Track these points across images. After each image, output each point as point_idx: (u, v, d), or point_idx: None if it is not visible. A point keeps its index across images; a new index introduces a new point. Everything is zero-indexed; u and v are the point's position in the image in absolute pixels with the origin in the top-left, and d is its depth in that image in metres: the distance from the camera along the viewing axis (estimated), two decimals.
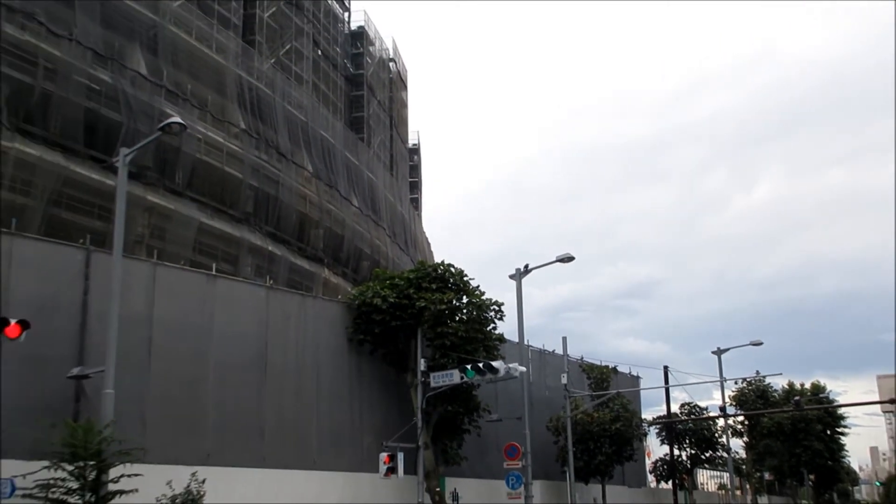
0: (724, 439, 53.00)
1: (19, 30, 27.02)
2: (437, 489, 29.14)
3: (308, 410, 26.97)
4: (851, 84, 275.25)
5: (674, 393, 49.22)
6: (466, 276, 30.45)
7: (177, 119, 19.98)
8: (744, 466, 61.94)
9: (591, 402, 39.59)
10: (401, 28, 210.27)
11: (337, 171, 43.98)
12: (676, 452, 50.84)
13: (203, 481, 19.85)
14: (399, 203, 55.93)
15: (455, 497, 31.85)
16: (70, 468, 16.70)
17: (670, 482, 50.36)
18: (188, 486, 19.59)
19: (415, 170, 69.99)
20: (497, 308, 30.86)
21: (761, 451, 59.18)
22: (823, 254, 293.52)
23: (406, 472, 26.64)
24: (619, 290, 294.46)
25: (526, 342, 32.57)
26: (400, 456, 26.14)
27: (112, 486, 17.11)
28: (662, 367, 44.10)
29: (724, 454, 52.99)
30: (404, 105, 65.91)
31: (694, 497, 54.17)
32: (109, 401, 17.61)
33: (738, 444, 61.10)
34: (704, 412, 52.27)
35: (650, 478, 54.11)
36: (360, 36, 56.00)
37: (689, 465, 53.71)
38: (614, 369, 44.86)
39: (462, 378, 26.90)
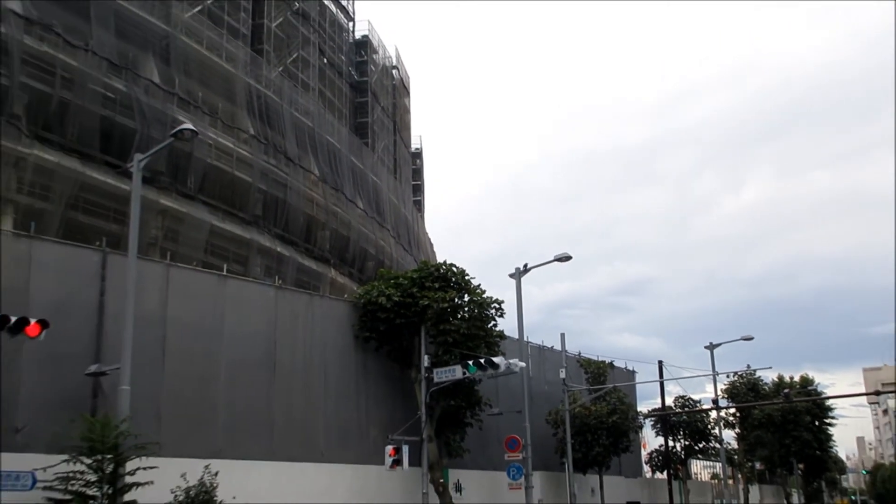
0: (716, 431, 53.06)
1: (38, 41, 27.09)
2: (441, 480, 29.13)
3: (316, 405, 26.97)
4: (835, 90, 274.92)
5: (668, 387, 49.36)
6: (468, 275, 30.44)
7: (189, 126, 19.98)
8: (736, 456, 61.81)
9: (588, 396, 39.57)
10: (403, 36, 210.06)
11: (343, 174, 44.01)
12: (671, 444, 50.81)
13: (216, 474, 19.86)
14: (403, 205, 55.96)
15: (458, 488, 31.87)
16: (88, 461, 16.75)
17: (665, 472, 50.34)
18: (201, 479, 19.60)
19: (417, 173, 69.99)
20: (497, 306, 30.84)
21: (752, 441, 59.08)
22: (810, 252, 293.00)
23: (411, 464, 26.66)
24: (615, 287, 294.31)
25: (525, 339, 32.57)
26: (405, 449, 26.15)
27: (128, 479, 17.18)
28: (657, 362, 44.13)
29: (717, 445, 52.99)
30: (407, 111, 65.91)
31: (688, 486, 54.11)
32: (125, 397, 17.65)
33: (730, 436, 61.09)
34: (698, 405, 52.29)
35: (646, 468, 54.05)
36: (364, 44, 56.02)
37: (683, 456, 53.68)
38: (611, 364, 44.82)
39: (464, 373, 26.90)
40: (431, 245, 65.86)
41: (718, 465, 57.68)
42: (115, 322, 19.44)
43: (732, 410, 57.09)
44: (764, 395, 56.29)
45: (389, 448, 25.98)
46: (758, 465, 65.66)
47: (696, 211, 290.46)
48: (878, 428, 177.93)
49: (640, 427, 47.86)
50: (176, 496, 19.11)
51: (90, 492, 16.82)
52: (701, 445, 53.93)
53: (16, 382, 18.86)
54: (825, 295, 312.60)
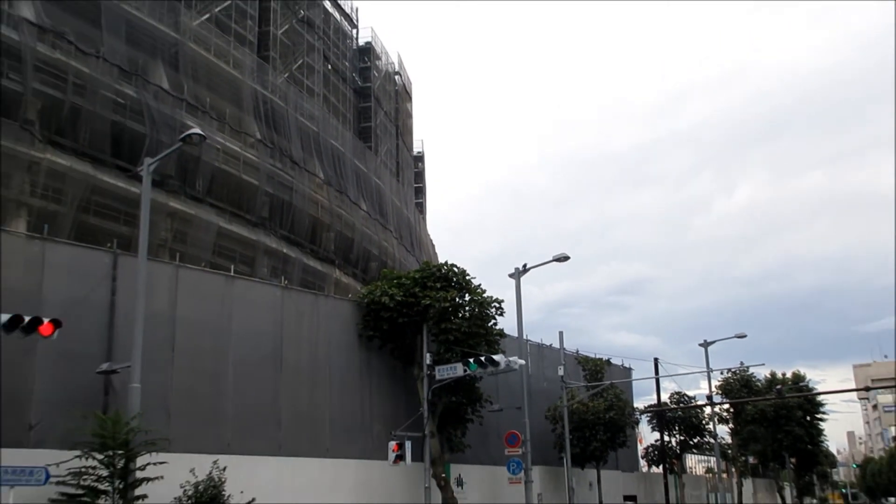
0: (710, 426, 52.95)
1: (50, 48, 27.10)
2: (443, 475, 29.11)
3: (321, 402, 26.96)
4: (830, 92, 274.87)
5: (664, 383, 49.09)
6: (469, 275, 30.43)
7: (197, 130, 20.00)
8: (729, 451, 61.78)
9: (586, 393, 39.55)
10: (405, 42, 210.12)
11: (347, 177, 43.99)
12: (666, 439, 50.76)
13: (224, 468, 19.89)
14: (405, 207, 55.92)
15: (460, 482, 31.86)
16: (100, 457, 16.76)
17: (661, 466, 50.28)
18: (210, 473, 19.63)
19: (419, 176, 69.96)
20: (498, 305, 30.83)
21: (746, 436, 59.05)
22: (802, 252, 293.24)
23: (413, 459, 26.63)
24: (613, 287, 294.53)
25: (525, 337, 32.54)
26: (408, 444, 26.13)
27: (139, 474, 17.18)
28: (653, 360, 44.12)
29: (711, 440, 52.88)
30: (409, 115, 65.88)
31: (683, 480, 54.02)
32: (136, 394, 17.65)
33: (724, 431, 61.03)
34: (692, 401, 52.17)
35: (642, 462, 54.00)
36: (368, 51, 56.01)
37: (678, 451, 53.55)
38: (608, 361, 44.76)
39: (465, 371, 26.89)
40: (433, 246, 65.82)
41: (713, 459, 57.57)
42: (126, 321, 19.43)
43: (726, 406, 57.04)
44: (757, 391, 56.22)
45: (393, 444, 25.97)
46: (751, 460, 65.57)
47: (692, 211, 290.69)
48: (867, 423, 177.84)
49: (637, 423, 47.87)
50: (185, 490, 19.13)
51: (102, 486, 16.83)
52: (696, 440, 53.82)
53: (29, 380, 18.89)
54: (816, 294, 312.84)
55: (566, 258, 30.37)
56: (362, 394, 28.92)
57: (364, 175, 47.09)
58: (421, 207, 67.62)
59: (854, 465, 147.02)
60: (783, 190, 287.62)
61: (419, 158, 70.04)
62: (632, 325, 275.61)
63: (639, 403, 52.30)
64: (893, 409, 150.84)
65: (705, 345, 45.78)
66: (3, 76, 25.88)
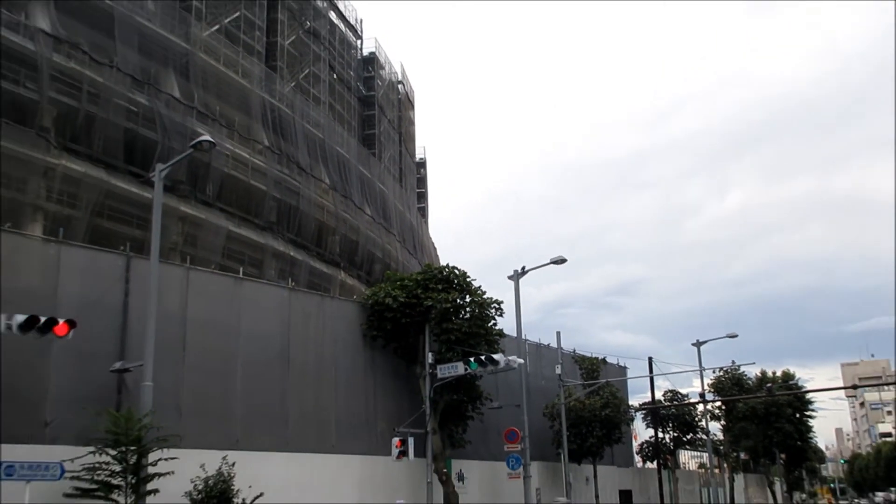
0: (703, 423, 52.95)
1: (66, 58, 27.13)
2: (445, 470, 29.06)
3: (327, 400, 26.92)
4: (816, 101, 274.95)
5: (657, 381, 49.23)
6: (469, 277, 30.38)
7: (207, 137, 19.99)
8: (721, 447, 61.63)
9: (582, 391, 39.48)
10: (408, 52, 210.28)
11: (351, 183, 43.99)
12: (660, 435, 50.66)
13: (233, 464, 19.83)
14: (408, 212, 55.90)
15: (461, 477, 31.79)
16: (113, 453, 16.75)
17: (655, 462, 50.21)
18: (219, 469, 19.57)
19: (422, 181, 69.95)
20: (497, 306, 30.78)
21: (737, 433, 58.91)
22: (790, 254, 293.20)
23: (416, 454, 26.62)
24: (608, 288, 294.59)
25: (523, 337, 32.50)
26: (410, 440, 26.09)
27: (151, 469, 17.18)
28: (647, 359, 43.98)
29: (704, 436, 52.86)
30: (412, 123, 65.89)
31: (676, 475, 53.93)
32: (148, 392, 17.64)
33: (716, 427, 60.89)
34: (685, 398, 52.11)
35: (637, 458, 53.89)
36: (372, 61, 56.01)
37: (672, 447, 53.51)
38: (604, 360, 44.69)
39: (466, 370, 26.86)
40: (435, 249, 65.79)
41: (705, 455, 57.52)
42: (139, 322, 19.42)
43: (718, 404, 56.93)
44: (748, 389, 56.14)
45: (396, 440, 25.93)
46: (742, 455, 65.39)
47: (684, 215, 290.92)
48: (855, 420, 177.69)
49: (632, 420, 47.74)
50: (195, 485, 19.09)
51: (115, 481, 16.83)
52: (689, 437, 53.78)
53: (45, 379, 18.86)
54: (804, 295, 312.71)
55: (563, 261, 30.34)
56: (367, 392, 28.88)
57: (368, 181, 47.08)
58: (423, 212, 67.58)
59: (842, 461, 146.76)
60: (772, 194, 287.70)
61: (421, 164, 70.04)
62: (626, 324, 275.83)
63: (633, 401, 52.30)
64: (880, 406, 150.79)
65: (698, 344, 45.73)
66: (20, 85, 25.91)
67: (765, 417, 56.54)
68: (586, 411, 38.80)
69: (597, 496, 41.15)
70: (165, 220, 23.57)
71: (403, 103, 62.61)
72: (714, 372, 55.90)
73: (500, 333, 31.47)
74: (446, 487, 28.87)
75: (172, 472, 17.39)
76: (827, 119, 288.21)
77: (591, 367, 42.62)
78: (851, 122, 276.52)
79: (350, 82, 51.76)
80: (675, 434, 53.13)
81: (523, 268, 30.79)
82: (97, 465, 16.72)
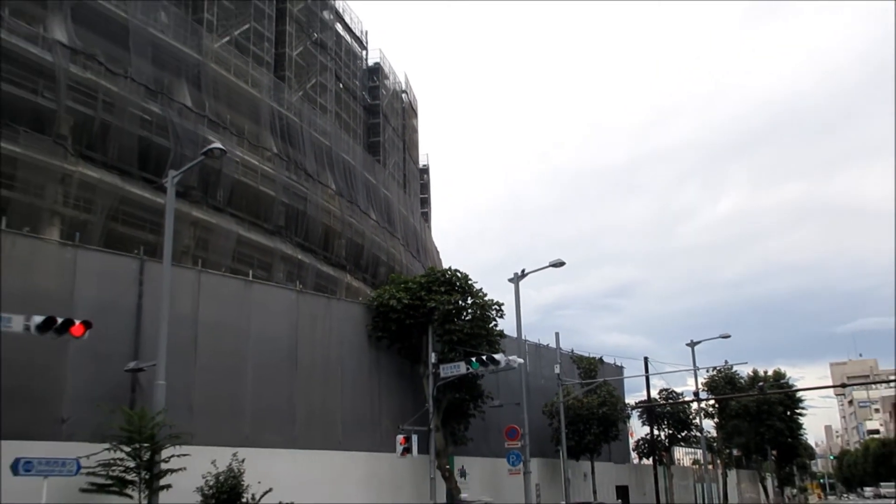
0: (697, 420, 52.83)
1: (82, 69, 27.16)
2: (447, 467, 29.03)
3: (333, 398, 26.91)
4: (804, 110, 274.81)
5: (653, 380, 49.06)
6: (471, 279, 30.37)
7: (218, 145, 20.00)
8: (715, 444, 61.49)
9: (580, 390, 39.43)
10: (412, 63, 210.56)
11: (357, 189, 43.98)
12: (656, 432, 50.59)
13: (243, 461, 19.84)
14: (411, 216, 55.88)
15: (463, 473, 31.76)
16: (127, 450, 16.77)
17: (651, 458, 50.14)
18: (230, 465, 19.58)
19: (425, 187, 69.90)
20: (498, 308, 30.77)
21: (730, 430, 58.82)
22: (781, 258, 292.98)
23: (420, 451, 26.55)
24: (605, 290, 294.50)
25: (523, 337, 32.48)
26: (414, 438, 26.06)
27: (164, 465, 17.19)
28: (643, 358, 43.98)
29: (698, 433, 52.71)
30: (415, 131, 65.89)
31: (671, 471, 53.79)
32: (161, 391, 17.65)
33: (709, 425, 60.75)
34: (680, 397, 51.99)
35: (633, 455, 53.73)
36: (377, 71, 56.02)
37: (667, 444, 53.34)
38: (601, 360, 44.64)
39: (468, 369, 26.85)
40: (437, 252, 65.76)
41: (699, 451, 57.33)
42: (152, 323, 19.43)
43: (712, 402, 56.84)
44: (740, 387, 56.08)
45: (400, 437, 25.90)
46: (735, 452, 65.30)
47: (678, 220, 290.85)
48: (843, 417, 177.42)
49: (628, 417, 47.69)
50: (207, 481, 19.09)
51: (129, 477, 16.84)
52: (683, 434, 53.62)
53: (62, 378, 18.88)
54: (795, 297, 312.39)
55: (562, 264, 30.33)
56: (372, 391, 28.86)
57: (373, 186, 47.08)
58: (426, 217, 67.55)
59: (831, 457, 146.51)
60: (764, 200, 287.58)
61: (424, 171, 70.02)
62: (623, 325, 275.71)
63: (630, 399, 52.18)
64: (868, 404, 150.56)
65: (692, 344, 45.66)
66: (38, 95, 25.95)
67: (757, 415, 56.47)
68: (584, 409, 38.74)
69: (594, 492, 41.07)
70: (178, 225, 23.56)
71: (407, 112, 62.60)
72: (708, 371, 55.94)
73: (501, 334, 31.45)
74: (449, 483, 28.85)
75: (185, 469, 17.40)
76: (817, 126, 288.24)
77: (588, 367, 42.58)
78: (841, 129, 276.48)
79: (356, 92, 51.78)
80: (670, 431, 52.99)
81: (523, 270, 30.78)
82: (112, 462, 16.73)
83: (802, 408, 59.99)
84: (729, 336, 45.23)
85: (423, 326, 29.08)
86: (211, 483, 19.10)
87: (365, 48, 55.50)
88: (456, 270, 30.33)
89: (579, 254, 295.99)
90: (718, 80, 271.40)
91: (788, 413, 58.63)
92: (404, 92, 61.66)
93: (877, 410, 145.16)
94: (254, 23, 38.40)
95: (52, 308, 17.14)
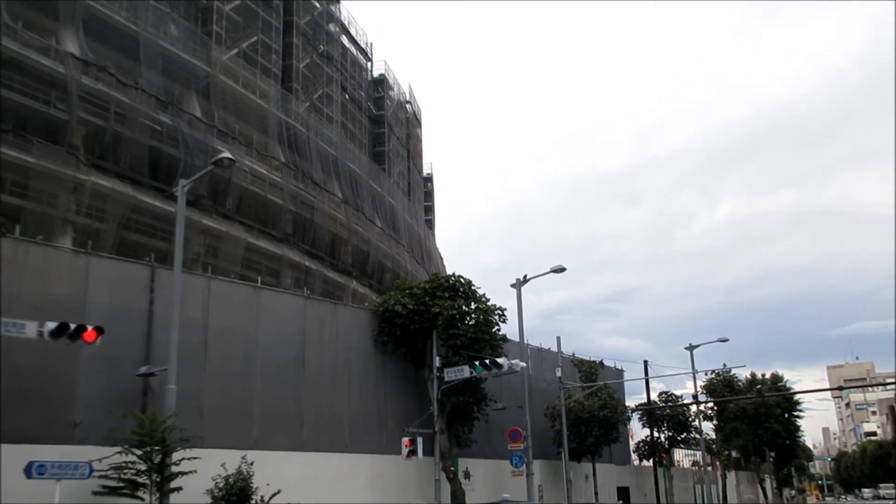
0: (696, 423, 52.67)
1: (94, 80, 27.24)
2: (452, 468, 28.95)
3: (340, 401, 26.86)
4: (800, 117, 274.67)
5: (652, 383, 48.95)
6: (474, 285, 30.33)
7: (227, 154, 20.03)
8: (714, 446, 61.30)
9: (582, 393, 39.33)
10: (415, 74, 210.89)
11: (363, 197, 44.02)
12: (656, 434, 50.45)
13: (252, 463, 19.81)
14: (416, 224, 55.90)
15: (467, 475, 31.67)
16: (139, 453, 16.74)
17: (651, 460, 49.97)
18: (239, 467, 19.56)
19: (429, 195, 69.94)
20: (500, 312, 30.71)
21: (729, 432, 58.61)
22: (777, 262, 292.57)
23: (425, 453, 26.50)
24: (604, 295, 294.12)
25: (525, 342, 32.43)
26: (419, 440, 26.01)
27: (174, 468, 17.14)
28: (643, 362, 43.97)
29: (697, 436, 52.54)
30: (419, 140, 65.95)
31: (671, 473, 53.60)
32: (172, 395, 17.62)
33: (708, 427, 60.57)
34: (679, 400, 51.84)
35: (633, 456, 53.58)
36: (382, 82, 56.14)
37: (666, 446, 53.18)
38: (601, 363, 44.52)
39: (471, 373, 26.77)
40: (441, 259, 65.75)
41: (699, 453, 57.12)
42: (163, 329, 19.42)
43: (710, 405, 56.69)
44: (738, 390, 55.87)
45: (405, 439, 25.85)
46: (734, 454, 65.08)
47: (676, 226, 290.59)
48: (841, 419, 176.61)
49: (628, 420, 47.56)
50: (216, 483, 19.06)
51: (140, 480, 16.81)
52: (683, 436, 53.46)
53: (74, 383, 18.88)
54: (791, 301, 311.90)
55: (563, 269, 30.29)
56: (378, 394, 28.81)
57: (378, 195, 47.12)
58: (430, 224, 67.56)
59: (829, 459, 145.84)
60: (756, 207, 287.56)
61: (428, 179, 70.07)
62: (622, 329, 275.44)
63: (630, 402, 51.98)
64: (865, 406, 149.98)
65: (690, 348, 45.54)
66: (51, 106, 26.02)
67: (755, 417, 56.27)
68: (585, 412, 38.64)
69: (596, 493, 40.94)
70: (188, 233, 23.58)
71: (411, 122, 62.70)
72: (706, 374, 55.74)
73: (504, 338, 31.39)
74: (453, 485, 28.76)
75: (195, 471, 17.37)
76: (814, 131, 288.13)
77: (589, 370, 42.48)
78: (838, 134, 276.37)
79: (361, 102, 51.87)
80: (670, 433, 52.84)
81: (525, 276, 30.75)
82: (124, 465, 16.71)
83: (800, 410, 59.78)
84: (727, 340, 45.25)
85: (427, 331, 29.04)
86: (221, 485, 19.07)
87: (370, 60, 55.63)
88: (459, 276, 30.31)
89: (579, 259, 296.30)
90: (716, 84, 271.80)
91: (786, 415, 58.41)
92: (408, 102, 61.76)
93: (873, 413, 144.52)
94: (262, 35, 38.51)
95: (65, 314, 17.16)
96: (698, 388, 51.86)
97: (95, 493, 16.70)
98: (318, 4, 45.50)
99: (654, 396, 49.78)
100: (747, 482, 75.93)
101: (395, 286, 31.85)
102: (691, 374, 46.45)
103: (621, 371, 48.81)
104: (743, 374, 60.09)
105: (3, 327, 15.06)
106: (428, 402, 28.87)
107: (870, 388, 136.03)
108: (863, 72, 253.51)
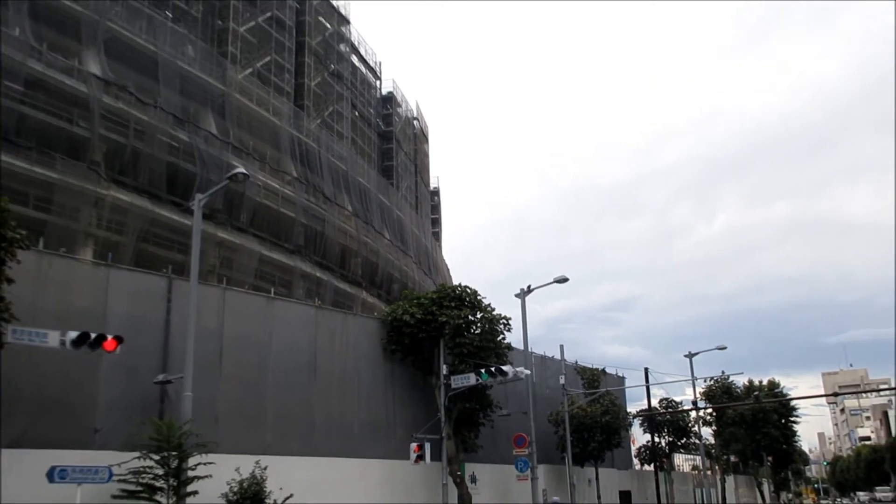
0: (696, 428, 52.37)
1: (114, 99, 27.45)
2: (458, 473, 28.82)
3: (350, 408, 26.81)
4: (795, 132, 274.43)
5: (653, 390, 48.69)
6: (480, 295, 30.27)
7: (241, 170, 20.08)
8: (713, 450, 60.92)
9: (584, 399, 39.17)
10: (423, 91, 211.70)
11: (372, 210, 44.12)
12: (656, 440, 50.19)
13: (265, 468, 19.75)
14: (423, 236, 55.95)
15: (473, 479, 31.52)
16: (156, 458, 16.71)
17: (652, 465, 49.68)
18: (253, 472, 19.51)
19: (435, 208, 70.06)
20: (505, 321, 30.64)
21: (727, 437, 58.22)
22: (773, 272, 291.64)
23: (432, 458, 26.40)
24: (606, 304, 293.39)
25: (529, 350, 32.35)
26: (427, 445, 25.92)
27: (191, 473, 17.10)
28: (643, 369, 43.69)
29: (696, 441, 52.24)
30: (426, 155, 66.13)
31: (672, 477, 53.27)
32: (188, 402, 17.60)
33: (707, 433, 60.17)
34: (679, 406, 51.60)
35: (635, 461, 53.28)
36: (390, 100, 56.37)
37: (667, 451, 52.88)
38: (603, 371, 44.36)
39: (477, 380, 26.71)
40: (448, 269, 65.74)
41: (698, 458, 56.78)
42: (180, 338, 19.42)
43: (710, 410, 56.35)
44: (737, 396, 55.54)
45: (414, 445, 25.77)
46: (732, 458, 64.64)
47: (676, 236, 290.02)
48: (836, 425, 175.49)
49: (630, 425, 47.29)
50: (231, 487, 19.02)
51: (158, 484, 16.78)
52: (683, 441, 53.15)
53: (94, 390, 18.88)
54: (787, 308, 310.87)
55: (566, 280, 30.22)
56: (386, 401, 28.75)
57: (387, 208, 47.21)
58: (437, 236, 67.61)
59: (825, 463, 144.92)
60: (753, 217, 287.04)
61: (435, 193, 70.21)
62: (623, 338, 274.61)
63: (631, 408, 51.76)
64: (859, 412, 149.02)
65: (690, 356, 45.34)
66: (73, 124, 26.21)
67: (753, 423, 55.91)
68: (588, 418, 38.47)
69: (599, 496, 40.71)
70: (204, 245, 23.66)
71: (418, 137, 62.88)
72: (705, 381, 55.45)
73: (509, 347, 31.31)
74: (460, 489, 28.63)
75: (210, 476, 17.32)
76: (807, 147, 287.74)
77: (591, 378, 42.33)
78: (829, 150, 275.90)
79: (370, 119, 52.08)
80: (670, 439, 52.53)
81: (529, 286, 30.69)
82: (142, 469, 16.68)
83: (796, 416, 59.37)
84: (725, 347, 45.05)
85: (434, 340, 28.99)
86: (235, 489, 19.03)
87: (379, 78, 55.89)
88: (465, 287, 30.27)
89: (582, 268, 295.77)
90: (715, 99, 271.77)
91: (783, 421, 58.01)
92: (416, 119, 61.95)
93: (868, 418, 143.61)
94: (275, 55, 38.74)
95: (86, 324, 17.19)
96: (698, 395, 51.64)
97: (115, 497, 16.67)
98: (329, 25, 45.78)
99: (654, 403, 49.62)
100: (746, 486, 75.44)
101: (404, 296, 31.82)
102: (691, 381, 46.24)
103: (623, 378, 48.62)
104: (741, 380, 59.92)
105: (27, 337, 15.13)
106: (435, 408, 28.78)
107: (864, 395, 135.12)
108: (857, 86, 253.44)
